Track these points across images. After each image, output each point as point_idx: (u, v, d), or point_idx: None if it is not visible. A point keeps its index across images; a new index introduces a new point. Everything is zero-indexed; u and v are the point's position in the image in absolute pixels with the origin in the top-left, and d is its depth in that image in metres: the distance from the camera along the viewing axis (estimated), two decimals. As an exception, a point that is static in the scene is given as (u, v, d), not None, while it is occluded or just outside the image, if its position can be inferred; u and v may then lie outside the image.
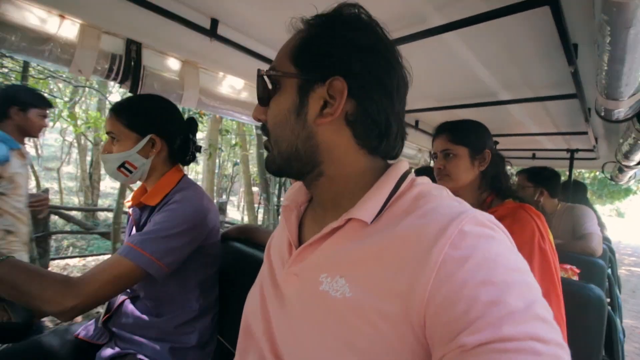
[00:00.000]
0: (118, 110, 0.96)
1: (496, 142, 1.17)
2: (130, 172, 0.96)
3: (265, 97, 0.50)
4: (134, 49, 1.09)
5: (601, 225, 2.33)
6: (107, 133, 0.95)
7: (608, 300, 1.93)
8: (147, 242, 0.83)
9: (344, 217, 0.46)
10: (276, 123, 0.49)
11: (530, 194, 2.07)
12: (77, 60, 1.00)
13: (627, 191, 11.74)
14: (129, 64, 1.09)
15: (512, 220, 0.98)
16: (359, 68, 0.45)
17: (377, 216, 0.45)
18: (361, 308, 0.40)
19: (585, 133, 2.04)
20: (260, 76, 0.49)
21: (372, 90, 0.46)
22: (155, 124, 0.98)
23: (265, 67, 0.50)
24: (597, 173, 10.07)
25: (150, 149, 0.98)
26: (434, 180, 1.16)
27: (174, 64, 1.23)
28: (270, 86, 0.50)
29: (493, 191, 1.12)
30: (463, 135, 1.09)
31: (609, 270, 1.89)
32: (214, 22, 1.17)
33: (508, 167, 1.20)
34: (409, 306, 0.36)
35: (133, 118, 0.95)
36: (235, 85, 1.46)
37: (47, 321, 2.74)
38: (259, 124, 0.54)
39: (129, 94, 1.14)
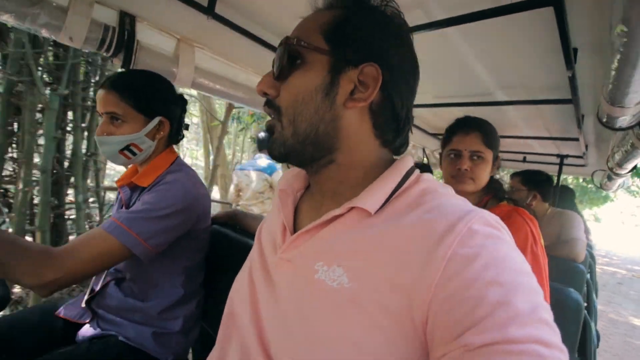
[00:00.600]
0: (121, 89, 0.90)
1: None
2: (134, 154, 0.92)
3: (286, 70, 0.46)
4: (127, 21, 1.05)
5: (586, 231, 2.38)
6: (107, 113, 0.89)
7: (585, 304, 1.99)
8: (135, 221, 0.80)
9: (346, 205, 0.45)
10: (297, 100, 0.45)
11: (523, 197, 2.09)
12: (68, 27, 0.96)
13: (605, 198, 12.53)
14: (122, 37, 1.04)
15: (507, 223, 0.98)
16: (395, 59, 0.46)
17: (380, 208, 0.44)
18: (359, 299, 0.39)
19: (577, 139, 2.07)
20: (287, 45, 0.46)
21: (401, 84, 0.47)
22: (163, 106, 0.95)
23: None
24: (581, 180, 10.52)
25: (157, 131, 0.95)
26: None
27: (169, 40, 1.19)
28: (290, 59, 0.46)
29: (489, 192, 1.12)
30: (493, 138, 1.08)
31: (588, 276, 1.94)
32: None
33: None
34: (411, 301, 0.36)
35: (141, 99, 0.91)
36: (232, 66, 1.43)
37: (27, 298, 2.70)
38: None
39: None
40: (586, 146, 2.30)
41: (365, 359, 0.37)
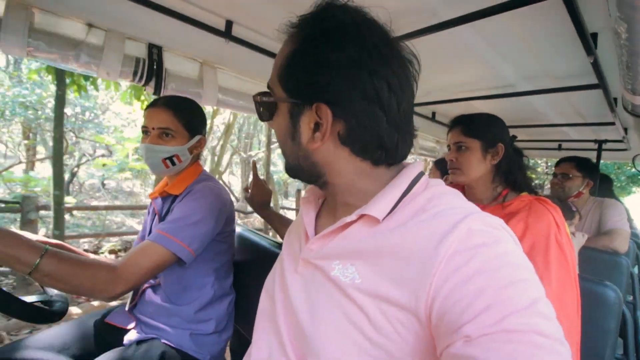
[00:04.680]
0: (175, 108, 1.03)
1: (514, 137, 1.14)
2: (174, 164, 1.04)
3: (266, 117, 0.53)
4: (155, 52, 1.15)
5: (630, 220, 2.22)
6: (160, 128, 1.00)
7: (630, 298, 1.86)
8: (177, 230, 0.91)
9: (357, 212, 0.48)
10: (279, 140, 0.53)
11: (577, 184, 1.95)
12: (105, 63, 1.08)
13: (629, 192, 13.29)
14: (151, 67, 1.16)
15: (527, 213, 0.98)
16: (340, 90, 0.44)
17: (389, 214, 0.47)
18: (370, 292, 0.43)
19: (613, 124, 1.95)
20: (255, 102, 0.53)
21: (357, 108, 0.44)
22: (202, 126, 1.10)
23: None
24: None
25: (195, 147, 1.09)
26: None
27: (193, 65, 1.29)
28: (264, 109, 0.53)
29: (508, 185, 1.11)
30: (476, 127, 1.08)
31: (636, 269, 1.82)
32: (229, 24, 1.21)
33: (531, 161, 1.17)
34: (417, 297, 0.39)
35: (191, 119, 1.06)
36: (252, 82, 1.51)
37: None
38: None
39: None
40: (625, 129, 2.16)
41: (376, 351, 0.41)
